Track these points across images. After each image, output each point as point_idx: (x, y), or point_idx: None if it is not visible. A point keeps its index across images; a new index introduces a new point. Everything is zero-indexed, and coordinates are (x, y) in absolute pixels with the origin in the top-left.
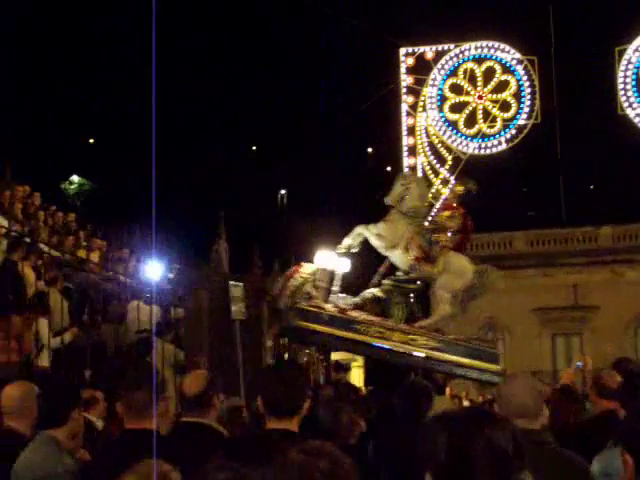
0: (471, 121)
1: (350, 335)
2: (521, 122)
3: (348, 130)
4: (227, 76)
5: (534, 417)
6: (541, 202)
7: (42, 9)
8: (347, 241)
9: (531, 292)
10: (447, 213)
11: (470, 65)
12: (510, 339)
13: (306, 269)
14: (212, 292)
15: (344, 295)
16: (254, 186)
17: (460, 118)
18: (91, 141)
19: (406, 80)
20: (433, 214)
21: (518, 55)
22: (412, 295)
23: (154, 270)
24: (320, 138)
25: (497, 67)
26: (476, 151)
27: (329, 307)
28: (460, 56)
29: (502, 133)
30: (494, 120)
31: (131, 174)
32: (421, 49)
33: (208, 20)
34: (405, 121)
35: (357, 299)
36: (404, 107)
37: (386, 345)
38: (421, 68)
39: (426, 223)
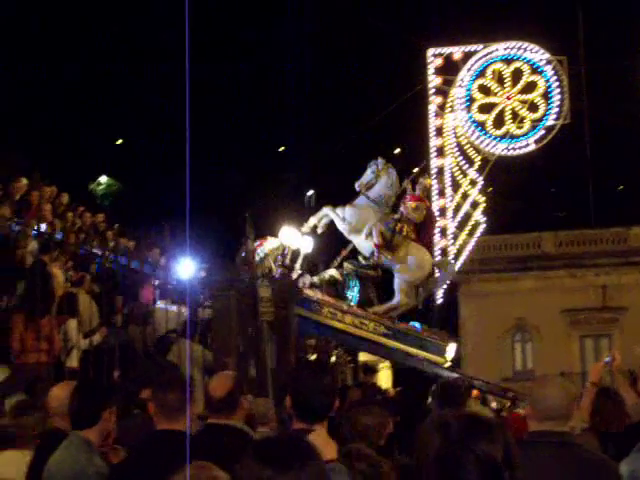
0: (499, 122)
1: (302, 312)
2: (550, 123)
3: (376, 131)
4: (256, 76)
5: (564, 419)
6: (570, 203)
7: (72, 8)
8: (312, 220)
9: (560, 293)
10: (413, 204)
11: (498, 66)
12: (538, 340)
13: (270, 244)
14: (240, 293)
15: (303, 273)
16: (283, 186)
17: (488, 119)
18: (119, 142)
19: (434, 81)
20: (400, 204)
21: (547, 55)
22: (370, 280)
23: (185, 270)
24: (348, 139)
25: (525, 68)
26: (504, 152)
27: None
28: (488, 57)
29: (530, 134)
30: (522, 121)
31: (159, 174)
32: (449, 50)
33: (238, 19)
34: (433, 122)
35: (315, 278)
36: (432, 108)
37: (337, 326)
38: (449, 69)
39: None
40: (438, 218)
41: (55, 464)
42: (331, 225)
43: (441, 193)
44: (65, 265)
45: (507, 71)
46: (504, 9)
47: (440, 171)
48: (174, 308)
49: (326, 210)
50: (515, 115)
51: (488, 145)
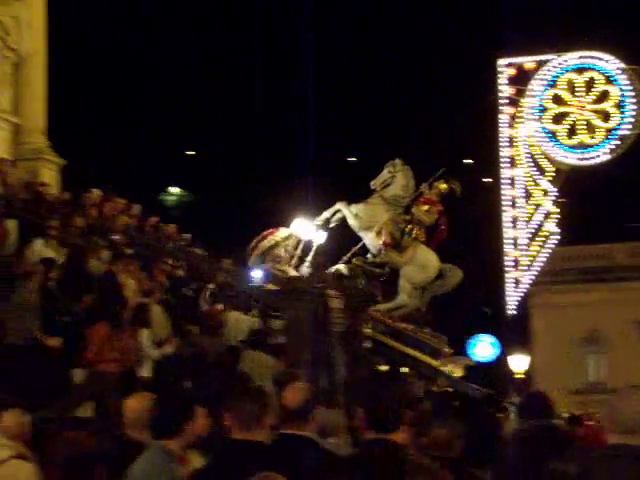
0: (572, 132)
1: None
2: (623, 132)
3: (447, 141)
4: (322, 88)
5: None
6: None
7: (142, 22)
8: (325, 215)
9: (633, 304)
10: (425, 207)
11: (571, 75)
12: (611, 352)
13: (281, 233)
14: (312, 303)
15: (310, 265)
16: (352, 197)
17: (561, 129)
18: (190, 153)
19: (506, 91)
20: (412, 206)
21: (621, 64)
22: (376, 278)
23: (258, 280)
24: (419, 149)
25: (599, 77)
26: (577, 162)
27: (292, 273)
28: (561, 66)
29: (604, 144)
30: (595, 130)
31: (229, 185)
32: (521, 60)
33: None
34: (505, 132)
35: (324, 272)
36: (504, 118)
37: None
38: (521, 79)
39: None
40: (510, 229)
41: (135, 474)
42: (344, 220)
43: (512, 203)
44: (137, 275)
45: (580, 80)
46: (577, 19)
47: (512, 181)
48: (246, 318)
49: (339, 205)
50: (588, 125)
51: (560, 155)
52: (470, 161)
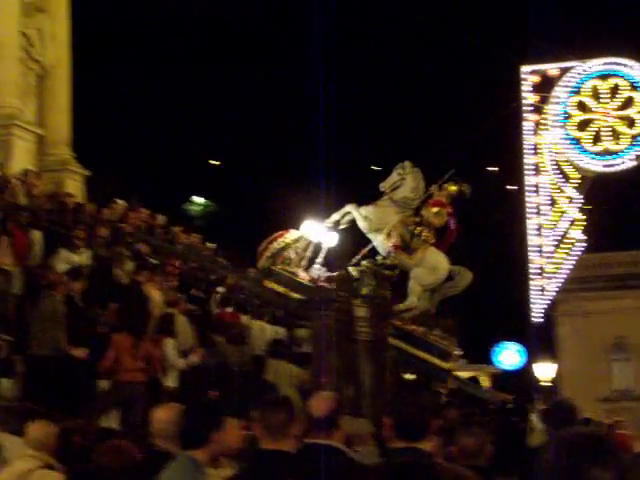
0: (597, 138)
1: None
2: None
3: (471, 149)
4: (348, 99)
5: None
6: None
7: (166, 31)
8: (335, 217)
9: None
10: (435, 209)
11: (595, 82)
12: (639, 359)
13: (291, 235)
14: (337, 313)
15: (320, 267)
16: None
17: (585, 136)
18: (214, 162)
19: (529, 98)
20: (422, 208)
21: None
22: (386, 280)
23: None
24: (442, 156)
25: (623, 83)
26: (602, 169)
27: (302, 275)
28: (585, 73)
29: (629, 150)
30: (620, 137)
31: (252, 195)
32: (544, 67)
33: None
34: (529, 139)
35: (334, 275)
36: (528, 125)
37: None
38: (544, 86)
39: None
40: (535, 237)
41: None
42: (354, 222)
43: (537, 211)
44: (162, 285)
45: (604, 87)
46: (600, 25)
47: (536, 189)
48: (270, 328)
49: (349, 207)
50: (613, 131)
51: (585, 162)
52: (494, 168)
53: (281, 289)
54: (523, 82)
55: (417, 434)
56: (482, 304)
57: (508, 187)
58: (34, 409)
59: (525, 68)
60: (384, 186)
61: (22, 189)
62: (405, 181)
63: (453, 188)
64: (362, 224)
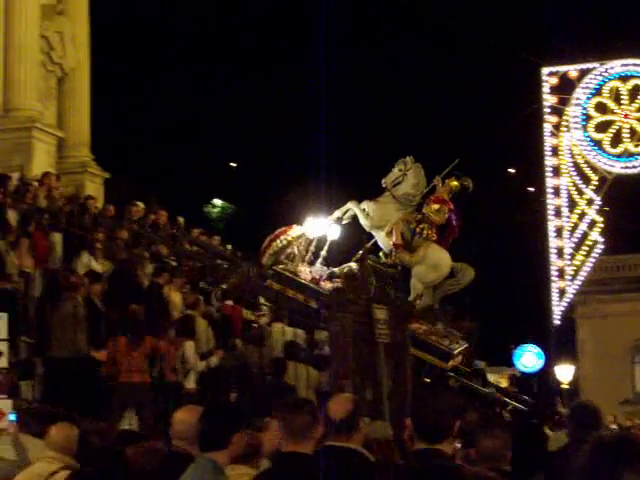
0: (617, 140)
1: (290, 292)
2: None
3: (490, 150)
4: (362, 102)
5: None
6: None
7: (185, 34)
8: (336, 213)
9: None
10: (436, 206)
11: (615, 83)
12: None
13: (294, 231)
14: (356, 315)
15: (322, 266)
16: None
17: (605, 137)
18: (233, 165)
19: (549, 100)
20: (422, 205)
21: None
22: (388, 277)
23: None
24: (462, 158)
25: None
26: (622, 170)
27: (304, 274)
28: (605, 74)
29: None
30: None
31: (272, 197)
32: (564, 68)
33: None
34: (549, 141)
35: (335, 270)
36: (547, 127)
37: None
38: (564, 87)
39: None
40: (555, 239)
41: None
42: (356, 218)
43: (557, 213)
44: (181, 287)
45: (624, 88)
46: (620, 26)
47: (556, 191)
48: (290, 330)
49: (350, 204)
50: (633, 133)
51: (605, 164)
52: (514, 170)
53: (290, 292)
54: (544, 84)
55: (438, 436)
56: (503, 307)
57: (529, 189)
58: (54, 411)
59: (546, 70)
60: (385, 182)
61: (42, 192)
62: (406, 177)
63: (455, 183)
64: (363, 221)
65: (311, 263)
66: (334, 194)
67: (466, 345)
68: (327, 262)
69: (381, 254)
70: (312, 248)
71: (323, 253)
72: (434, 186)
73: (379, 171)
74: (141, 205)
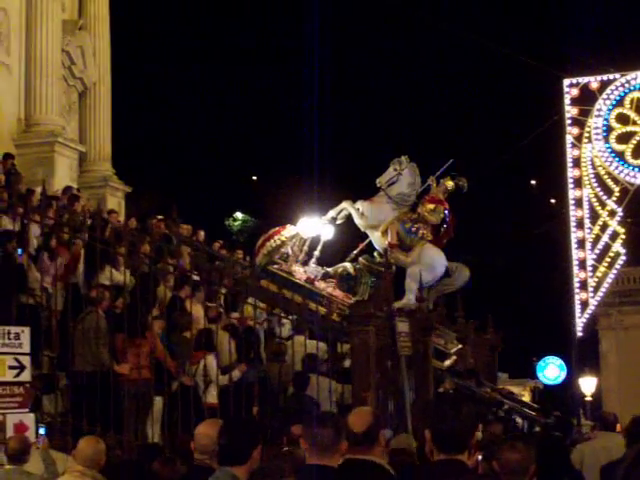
0: (638, 151)
1: (313, 306)
2: None
3: (512, 162)
4: (380, 115)
5: None
6: None
7: (204, 47)
8: (331, 213)
9: None
10: (431, 206)
11: (636, 94)
12: None
13: (288, 231)
14: (378, 327)
15: (316, 266)
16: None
17: (627, 148)
18: (254, 178)
19: (570, 111)
20: (418, 205)
21: None
22: (383, 278)
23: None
24: (483, 170)
25: None
26: None
27: (298, 273)
28: (626, 85)
29: None
30: None
31: (293, 210)
32: (585, 79)
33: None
34: (570, 152)
35: (330, 270)
36: (569, 138)
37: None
38: (586, 99)
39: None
40: (577, 250)
41: None
42: (350, 218)
43: (579, 224)
44: (202, 300)
45: None
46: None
47: (578, 202)
48: (313, 343)
49: (345, 204)
50: None
51: (627, 175)
52: (535, 182)
53: (286, 293)
54: (565, 95)
55: (458, 447)
56: (525, 318)
57: (550, 201)
58: (77, 425)
59: (567, 81)
60: (380, 181)
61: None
62: (401, 177)
63: (450, 183)
64: (358, 221)
65: (305, 263)
66: (328, 194)
67: (461, 346)
68: (320, 262)
69: (376, 254)
70: (306, 248)
71: (316, 253)
72: (429, 185)
73: (375, 171)
74: (162, 219)
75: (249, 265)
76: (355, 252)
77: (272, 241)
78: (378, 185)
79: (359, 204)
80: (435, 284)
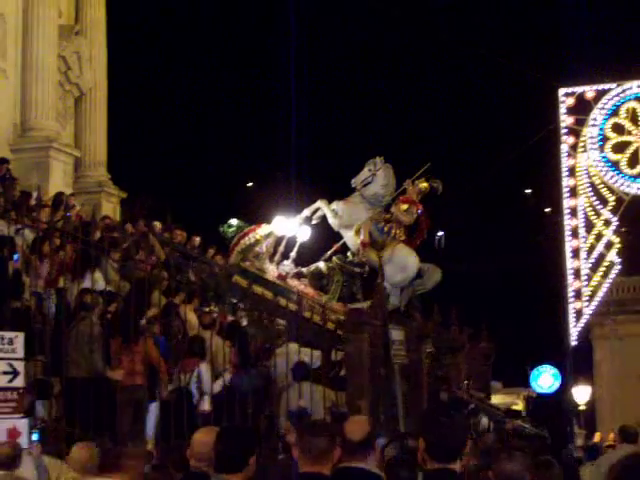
0: (634, 161)
1: (283, 302)
2: None
3: (506, 171)
4: (373, 122)
5: None
6: None
7: (201, 54)
8: (305, 212)
9: None
10: (404, 206)
11: (632, 104)
12: None
13: (262, 230)
14: (372, 335)
15: (290, 263)
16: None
17: (622, 158)
18: (249, 184)
19: (566, 120)
20: (391, 205)
21: None
22: (355, 277)
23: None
24: (478, 179)
25: None
26: (638, 191)
27: (270, 271)
28: (621, 95)
29: None
30: None
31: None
32: (581, 89)
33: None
34: (565, 162)
35: (303, 269)
36: (564, 148)
37: (315, 320)
38: (581, 108)
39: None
40: (572, 260)
41: None
42: (325, 218)
43: (574, 234)
44: (197, 306)
45: None
46: (637, 47)
47: (573, 211)
48: (307, 349)
49: (319, 203)
50: None
51: (622, 184)
52: (530, 191)
53: (257, 289)
54: (561, 105)
55: (451, 456)
56: (519, 327)
57: (545, 210)
58: (71, 431)
59: (562, 90)
60: (355, 182)
61: (58, 211)
62: (376, 177)
63: (424, 185)
64: (332, 220)
65: (279, 263)
66: (304, 194)
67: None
68: (297, 263)
69: (349, 254)
70: (281, 248)
71: (293, 254)
72: (404, 189)
73: (350, 171)
74: (157, 224)
75: (224, 264)
76: (329, 252)
77: (247, 239)
78: (353, 185)
79: (334, 204)
80: (408, 285)
